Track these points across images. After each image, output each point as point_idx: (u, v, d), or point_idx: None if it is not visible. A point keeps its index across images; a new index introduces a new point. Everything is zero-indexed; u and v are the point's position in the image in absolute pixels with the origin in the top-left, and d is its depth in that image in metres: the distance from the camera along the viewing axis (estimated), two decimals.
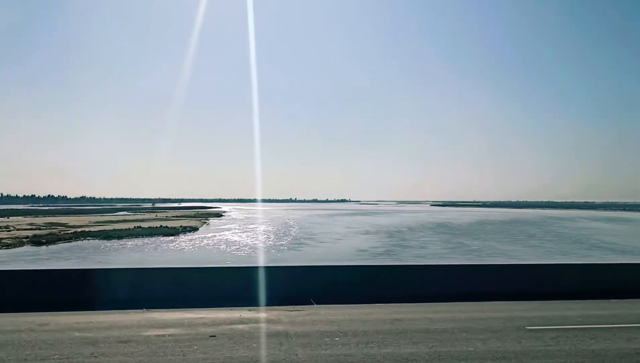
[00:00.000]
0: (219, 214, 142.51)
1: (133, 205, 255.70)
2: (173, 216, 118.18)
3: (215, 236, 67.92)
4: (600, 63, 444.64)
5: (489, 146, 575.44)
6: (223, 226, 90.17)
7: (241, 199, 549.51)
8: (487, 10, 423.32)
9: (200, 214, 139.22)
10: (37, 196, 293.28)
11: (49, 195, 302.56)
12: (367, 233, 75.98)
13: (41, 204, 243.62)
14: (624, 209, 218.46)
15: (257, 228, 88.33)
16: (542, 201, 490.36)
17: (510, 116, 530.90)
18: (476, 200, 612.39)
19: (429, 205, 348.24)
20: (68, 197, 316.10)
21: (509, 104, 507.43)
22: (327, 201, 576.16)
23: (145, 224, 78.40)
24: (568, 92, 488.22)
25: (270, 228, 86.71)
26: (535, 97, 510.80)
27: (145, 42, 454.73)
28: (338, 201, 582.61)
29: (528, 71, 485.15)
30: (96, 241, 56.99)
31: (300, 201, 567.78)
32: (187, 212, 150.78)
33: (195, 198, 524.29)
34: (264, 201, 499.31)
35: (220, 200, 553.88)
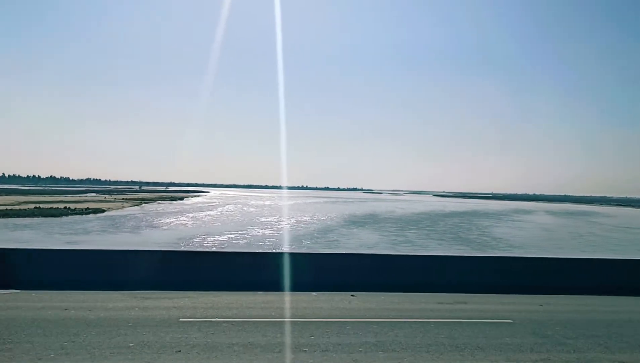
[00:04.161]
0: (179, 199, 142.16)
1: (125, 187, 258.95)
2: (122, 199, 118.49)
3: (108, 216, 67.34)
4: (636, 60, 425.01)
5: (513, 141, 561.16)
6: (147, 211, 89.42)
7: (256, 185, 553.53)
8: (509, 2, 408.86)
9: (159, 197, 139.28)
10: (39, 176, 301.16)
11: (50, 176, 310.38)
12: (281, 221, 73.95)
13: (40, 185, 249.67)
14: (624, 205, 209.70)
15: (175, 211, 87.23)
16: (560, 195, 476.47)
17: (541, 112, 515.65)
18: (493, 193, 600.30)
19: (431, 196, 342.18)
20: (70, 178, 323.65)
21: (534, 98, 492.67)
22: (338, 189, 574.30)
23: (50, 206, 78.14)
24: (604, 89, 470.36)
25: (200, 214, 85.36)
26: (566, 92, 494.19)
27: (171, 29, 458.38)
28: (349, 189, 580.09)
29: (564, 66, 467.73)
30: None
31: (311, 188, 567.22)
32: (149, 195, 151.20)
33: (217, 183, 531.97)
34: (275, 187, 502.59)
35: (236, 186, 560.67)
